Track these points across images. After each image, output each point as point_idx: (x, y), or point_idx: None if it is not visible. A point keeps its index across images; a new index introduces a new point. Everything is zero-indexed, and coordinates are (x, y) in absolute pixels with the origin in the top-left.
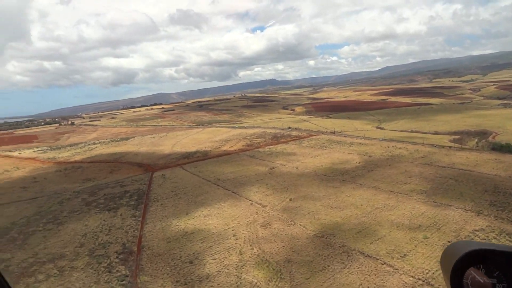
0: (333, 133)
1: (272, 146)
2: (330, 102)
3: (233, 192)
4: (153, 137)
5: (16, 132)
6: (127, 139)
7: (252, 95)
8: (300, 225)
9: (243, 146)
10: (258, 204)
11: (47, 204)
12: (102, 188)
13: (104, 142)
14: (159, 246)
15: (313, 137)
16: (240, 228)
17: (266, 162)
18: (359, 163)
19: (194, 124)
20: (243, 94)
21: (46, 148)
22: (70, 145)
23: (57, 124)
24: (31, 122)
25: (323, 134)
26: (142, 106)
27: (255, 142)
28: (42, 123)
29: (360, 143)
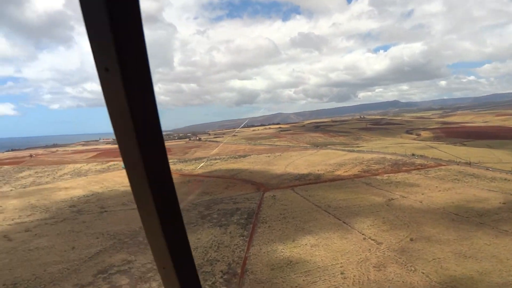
0: (469, 164)
1: (391, 175)
2: (464, 127)
3: (344, 223)
4: (268, 156)
5: None
6: (244, 156)
7: (372, 117)
8: (422, 273)
9: (358, 171)
10: (371, 240)
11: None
12: (217, 203)
13: (223, 158)
14: (262, 272)
15: (442, 167)
16: (350, 265)
17: (384, 192)
18: (503, 203)
19: (308, 145)
20: (361, 116)
21: (176, 160)
22: (195, 159)
23: (187, 139)
24: (168, 136)
25: (455, 165)
26: (261, 125)
27: (372, 168)
28: (176, 138)
29: (505, 179)
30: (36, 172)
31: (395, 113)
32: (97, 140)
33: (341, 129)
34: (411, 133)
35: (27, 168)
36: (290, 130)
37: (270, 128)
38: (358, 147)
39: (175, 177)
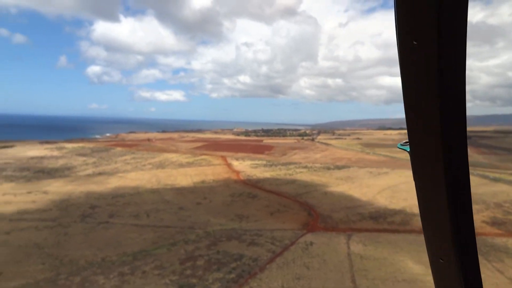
0: None
1: None
2: None
3: None
4: (371, 172)
5: (264, 141)
6: (340, 168)
7: None
8: None
9: (483, 220)
10: None
11: (165, 240)
12: (232, 237)
13: (314, 167)
14: None
15: None
16: None
17: (505, 274)
18: None
19: None
20: None
21: (264, 162)
22: (284, 164)
23: (299, 138)
24: (293, 131)
25: None
26: (400, 128)
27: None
28: (295, 135)
29: None
30: (133, 158)
31: None
32: (231, 129)
33: (502, 144)
34: None
35: (131, 153)
36: None
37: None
38: None
39: (234, 186)
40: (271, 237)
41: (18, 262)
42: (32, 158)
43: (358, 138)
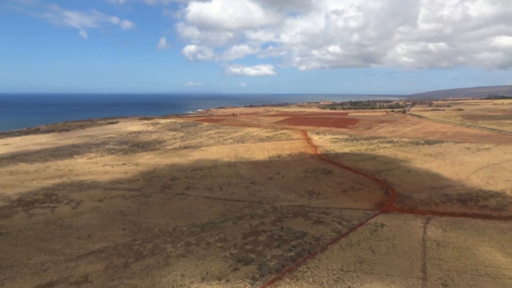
0: None
1: None
2: None
3: None
4: (468, 148)
5: (349, 114)
6: (430, 143)
7: None
8: None
9: None
10: None
11: (232, 213)
12: (300, 214)
13: (400, 142)
14: None
15: None
16: None
17: None
18: None
19: None
20: None
21: (345, 137)
22: (367, 138)
23: (389, 110)
24: (383, 103)
25: None
26: None
27: None
28: (386, 106)
29: None
30: (216, 132)
31: None
32: (317, 102)
33: None
34: None
35: (216, 128)
36: None
37: None
38: None
39: (309, 161)
40: (339, 216)
41: (105, 226)
42: (131, 133)
43: (459, 109)
